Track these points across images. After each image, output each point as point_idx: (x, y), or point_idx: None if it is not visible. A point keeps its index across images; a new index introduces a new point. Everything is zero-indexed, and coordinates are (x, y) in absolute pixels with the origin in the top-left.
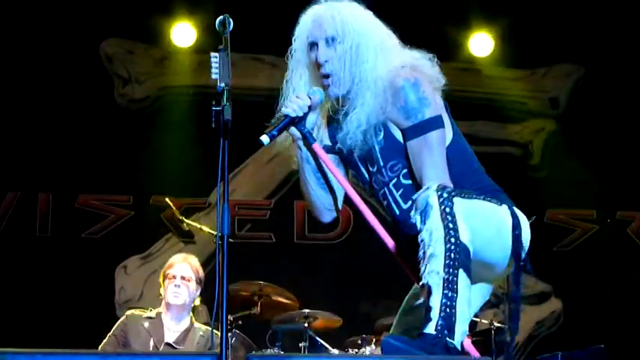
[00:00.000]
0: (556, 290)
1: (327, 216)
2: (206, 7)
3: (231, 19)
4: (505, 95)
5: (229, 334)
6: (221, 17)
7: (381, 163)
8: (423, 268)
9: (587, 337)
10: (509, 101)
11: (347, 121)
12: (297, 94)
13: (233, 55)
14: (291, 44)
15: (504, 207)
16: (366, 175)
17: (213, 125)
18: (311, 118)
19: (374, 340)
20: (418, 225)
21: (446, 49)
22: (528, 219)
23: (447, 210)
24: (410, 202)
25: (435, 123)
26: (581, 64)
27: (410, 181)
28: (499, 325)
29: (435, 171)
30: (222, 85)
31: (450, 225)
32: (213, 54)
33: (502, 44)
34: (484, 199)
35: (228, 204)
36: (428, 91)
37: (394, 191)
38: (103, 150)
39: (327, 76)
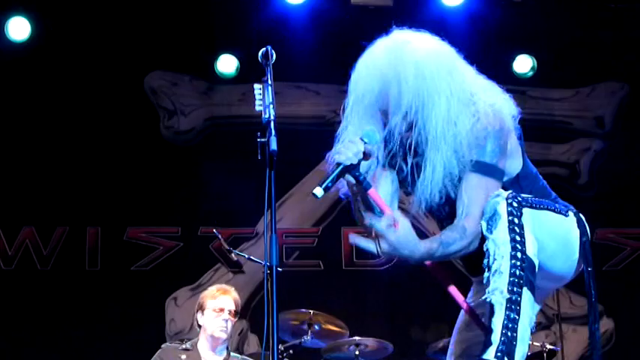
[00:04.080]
0: (607, 310)
1: None
2: (249, 38)
3: (273, 51)
4: (550, 115)
5: None
6: (264, 49)
7: (442, 202)
8: (485, 280)
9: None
10: (554, 121)
11: (422, 177)
12: (351, 139)
13: (276, 84)
14: (336, 72)
15: (571, 216)
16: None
17: (260, 157)
18: (366, 162)
19: None
20: (484, 232)
21: (490, 70)
22: None
23: (516, 221)
24: None
25: (500, 175)
26: (626, 82)
27: None
28: (551, 347)
29: (476, 209)
30: (267, 116)
31: (518, 238)
32: (256, 85)
33: (546, 64)
34: (554, 209)
35: (276, 233)
36: (506, 142)
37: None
38: (150, 183)
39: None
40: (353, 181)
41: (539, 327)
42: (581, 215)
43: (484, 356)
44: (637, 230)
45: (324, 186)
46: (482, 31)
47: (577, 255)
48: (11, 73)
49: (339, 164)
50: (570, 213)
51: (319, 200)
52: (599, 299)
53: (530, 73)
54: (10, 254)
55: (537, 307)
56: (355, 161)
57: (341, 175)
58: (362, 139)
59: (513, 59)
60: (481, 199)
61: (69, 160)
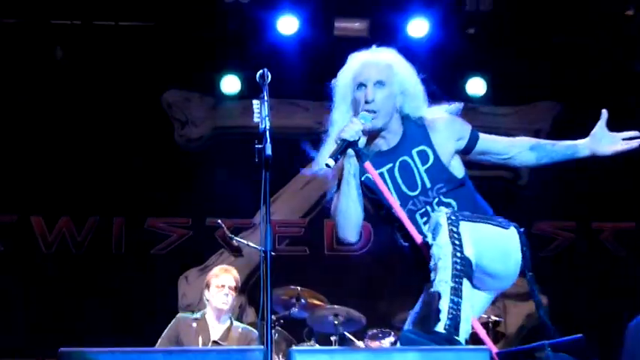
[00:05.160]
0: (542, 288)
1: (356, 235)
2: (248, 62)
3: (269, 73)
4: (497, 128)
5: (273, 331)
6: (260, 71)
7: (428, 185)
8: (433, 276)
9: (568, 327)
10: (500, 133)
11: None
12: (352, 120)
13: (272, 100)
14: (321, 91)
15: (512, 229)
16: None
17: (257, 160)
18: (362, 140)
19: (392, 333)
20: (430, 240)
21: (448, 90)
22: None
23: (454, 229)
24: None
25: None
26: (559, 101)
27: (449, 199)
28: (496, 318)
29: None
30: (263, 127)
31: (457, 242)
32: (255, 101)
33: (494, 86)
34: (491, 222)
35: (270, 224)
36: None
37: (435, 208)
38: (166, 181)
39: (371, 112)
40: (353, 153)
41: None
42: (521, 230)
43: (435, 328)
44: (567, 223)
45: (334, 157)
46: (442, 57)
47: (517, 260)
48: (61, 88)
49: (344, 140)
50: (511, 227)
51: (311, 192)
52: (537, 281)
53: (481, 93)
54: (49, 240)
55: (482, 305)
56: (357, 138)
57: (345, 149)
58: (360, 120)
59: (467, 81)
60: None
61: (100, 162)
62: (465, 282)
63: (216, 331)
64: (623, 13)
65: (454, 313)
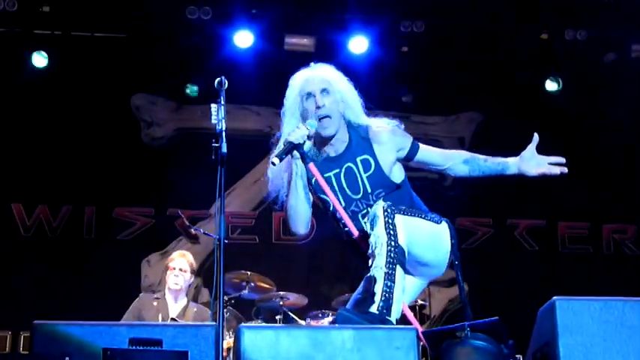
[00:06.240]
0: (463, 277)
1: (304, 228)
2: (208, 70)
3: (226, 80)
4: (426, 135)
5: (225, 310)
6: (218, 79)
7: (369, 190)
8: (370, 262)
9: (485, 311)
10: (429, 140)
11: (341, 155)
12: (298, 125)
13: (228, 105)
14: (272, 98)
15: (443, 224)
16: (342, 202)
17: (213, 157)
18: (307, 144)
19: (331, 313)
20: (368, 230)
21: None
22: None
23: (390, 221)
24: None
25: None
26: (481, 112)
27: (387, 202)
28: (422, 302)
29: None
30: (220, 128)
31: (391, 232)
32: (212, 105)
33: (423, 98)
34: (424, 217)
35: (224, 215)
36: None
37: None
38: (133, 175)
39: (323, 118)
40: (298, 155)
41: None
42: (451, 224)
43: (370, 310)
44: (485, 219)
45: (279, 157)
46: (379, 71)
47: (447, 251)
48: (41, 91)
49: (290, 142)
50: (443, 222)
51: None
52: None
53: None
54: (28, 224)
55: (416, 290)
56: (302, 141)
57: (291, 150)
58: (306, 126)
59: (400, 92)
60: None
61: (74, 156)
62: (398, 268)
63: (174, 309)
64: (538, 36)
65: (387, 295)
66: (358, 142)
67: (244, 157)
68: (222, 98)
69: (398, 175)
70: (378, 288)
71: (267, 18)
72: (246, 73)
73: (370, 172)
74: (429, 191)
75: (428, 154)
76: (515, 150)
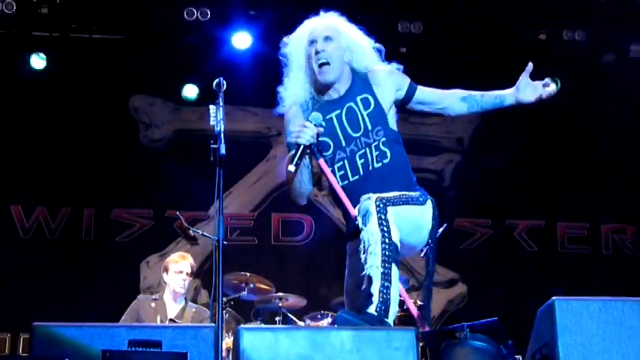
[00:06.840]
0: (462, 278)
1: (303, 200)
2: (206, 72)
3: (224, 81)
4: (425, 136)
5: (224, 311)
6: (217, 80)
7: (369, 128)
8: (363, 259)
9: (484, 312)
10: (428, 140)
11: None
12: (304, 124)
13: (226, 106)
14: (270, 99)
15: (428, 203)
16: (343, 141)
17: (212, 159)
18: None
19: (330, 314)
20: (360, 226)
21: None
22: (441, 227)
23: (383, 217)
24: (380, 164)
25: None
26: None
27: (385, 148)
28: (421, 303)
29: None
30: (218, 129)
31: (385, 229)
32: (211, 107)
33: None
34: (412, 202)
35: (223, 216)
36: None
37: (373, 151)
38: (131, 176)
39: (323, 65)
40: (308, 152)
41: (412, 288)
42: (434, 202)
43: (368, 310)
44: (484, 220)
45: (294, 163)
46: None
47: (427, 232)
48: (40, 94)
49: (299, 145)
50: (428, 201)
51: (260, 189)
52: (457, 271)
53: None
54: (27, 226)
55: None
56: (313, 141)
57: (303, 153)
58: (312, 123)
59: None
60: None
61: (73, 158)
62: (394, 267)
63: (172, 310)
64: (537, 37)
65: (384, 296)
66: (358, 82)
67: (243, 158)
68: (220, 99)
69: (393, 122)
70: (375, 288)
71: (266, 19)
72: (245, 75)
73: (370, 109)
74: (427, 191)
75: (426, 94)
76: (515, 150)
